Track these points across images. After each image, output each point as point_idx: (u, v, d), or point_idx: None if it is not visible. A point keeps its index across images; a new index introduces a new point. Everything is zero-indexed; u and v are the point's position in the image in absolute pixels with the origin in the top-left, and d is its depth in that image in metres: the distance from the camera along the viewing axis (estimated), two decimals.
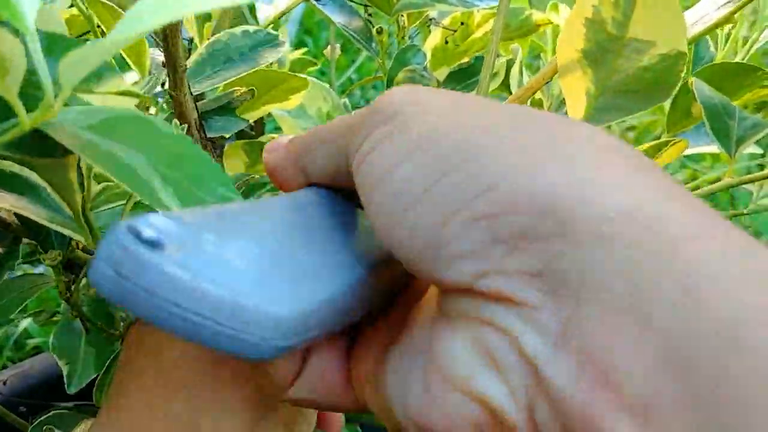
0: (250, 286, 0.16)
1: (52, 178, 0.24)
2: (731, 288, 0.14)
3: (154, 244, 0.16)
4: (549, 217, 0.15)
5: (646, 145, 0.37)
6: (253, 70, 0.36)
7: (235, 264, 0.17)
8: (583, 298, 0.15)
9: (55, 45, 0.20)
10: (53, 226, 0.27)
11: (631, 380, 0.14)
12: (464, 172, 0.16)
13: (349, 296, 0.19)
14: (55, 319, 0.42)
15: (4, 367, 0.76)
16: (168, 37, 0.31)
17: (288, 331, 0.17)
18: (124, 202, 0.32)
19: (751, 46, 0.41)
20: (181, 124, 0.34)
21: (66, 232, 0.27)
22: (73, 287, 0.32)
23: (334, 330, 0.20)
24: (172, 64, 0.32)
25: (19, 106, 0.18)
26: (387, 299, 0.22)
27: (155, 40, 0.36)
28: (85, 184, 0.27)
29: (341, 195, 0.22)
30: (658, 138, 0.41)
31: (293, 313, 0.17)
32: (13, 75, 0.18)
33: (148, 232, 0.16)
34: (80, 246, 0.35)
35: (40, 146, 0.20)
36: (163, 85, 0.35)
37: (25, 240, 0.34)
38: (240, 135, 0.46)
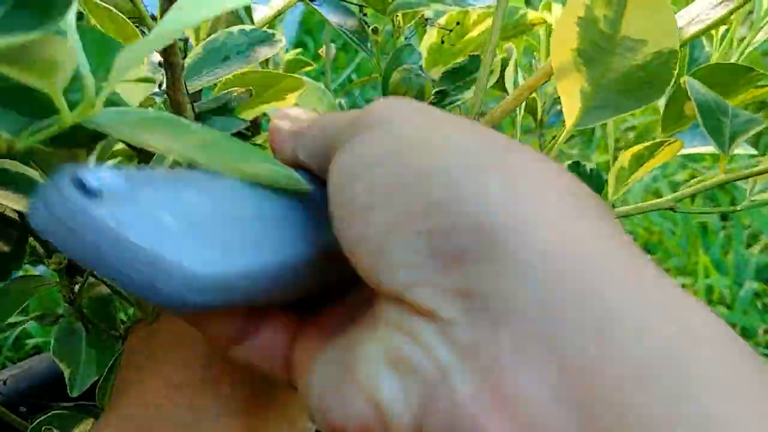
0: (173, 241, 0.18)
1: None
2: (641, 332, 0.15)
3: (91, 193, 0.17)
4: (484, 242, 0.16)
5: (640, 146, 0.37)
6: (249, 68, 0.37)
7: (164, 220, 0.18)
8: (501, 321, 0.16)
9: (86, 39, 0.20)
10: None
11: (527, 404, 0.15)
12: (415, 188, 0.17)
13: (288, 271, 0.20)
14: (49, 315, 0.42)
15: (4, 366, 0.76)
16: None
17: (203, 288, 0.18)
18: None
19: (746, 47, 0.41)
20: None
21: None
22: (76, 289, 0.33)
23: (270, 300, 0.21)
24: (169, 63, 0.32)
25: (63, 105, 0.19)
26: (339, 288, 0.23)
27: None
28: None
29: (320, 183, 0.23)
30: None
31: (211, 273, 0.18)
32: (62, 75, 0.18)
33: (88, 181, 0.17)
34: None
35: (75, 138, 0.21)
36: (160, 86, 0.35)
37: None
38: (235, 134, 0.47)
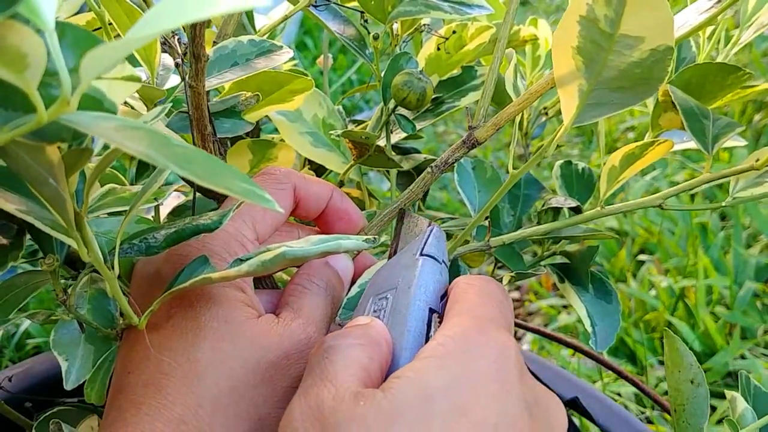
0: None
1: (43, 190, 0.24)
2: None
3: None
4: None
5: (632, 146, 0.38)
6: (256, 72, 0.38)
7: None
8: None
9: (66, 36, 0.20)
10: (54, 234, 0.27)
11: None
12: None
13: None
14: (54, 318, 0.43)
15: (6, 367, 0.77)
16: (195, 26, 0.31)
17: None
18: (128, 208, 0.33)
19: (733, 47, 0.41)
20: (197, 116, 0.35)
21: (66, 240, 0.28)
22: (69, 290, 0.33)
23: None
24: (196, 54, 0.32)
25: (37, 100, 0.19)
26: None
27: (166, 39, 0.37)
28: (85, 191, 0.27)
29: None
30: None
31: None
32: (33, 70, 0.18)
33: None
34: None
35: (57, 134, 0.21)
36: (183, 79, 0.36)
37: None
38: (235, 136, 0.47)
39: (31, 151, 0.22)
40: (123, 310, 0.31)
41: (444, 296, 0.31)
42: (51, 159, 0.23)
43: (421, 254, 0.32)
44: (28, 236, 0.33)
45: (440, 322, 0.30)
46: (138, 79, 0.23)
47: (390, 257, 0.36)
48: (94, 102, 0.22)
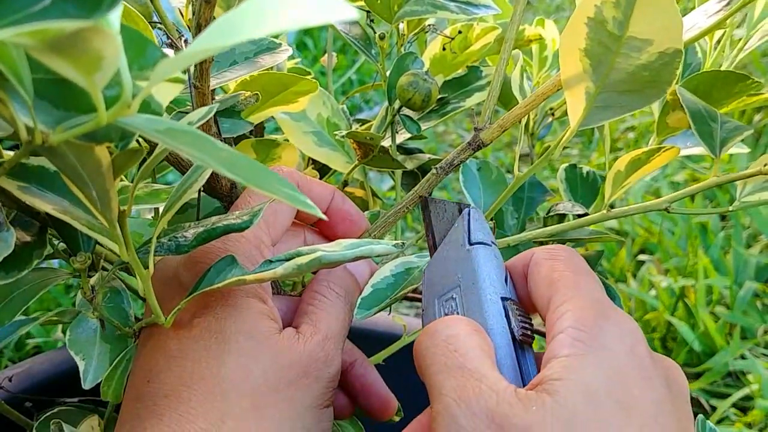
0: None
1: (87, 190, 0.24)
2: None
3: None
4: None
5: (638, 151, 0.38)
6: (259, 72, 0.37)
7: None
8: None
9: (122, 36, 0.20)
10: (91, 233, 0.27)
11: None
12: None
13: None
14: (54, 318, 0.42)
15: (6, 367, 0.77)
16: (200, 26, 0.31)
17: None
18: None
19: (738, 53, 0.41)
20: None
21: (103, 241, 0.27)
22: (97, 289, 0.32)
23: None
24: None
25: (100, 102, 0.19)
26: None
27: (169, 36, 0.37)
28: (130, 191, 0.28)
29: None
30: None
31: None
32: (104, 73, 0.18)
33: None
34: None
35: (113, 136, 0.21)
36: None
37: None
38: (239, 136, 0.47)
39: (80, 151, 0.21)
40: (152, 310, 0.31)
41: (506, 278, 0.30)
42: (100, 159, 0.23)
43: (470, 243, 0.31)
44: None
45: (516, 308, 0.29)
46: (182, 81, 0.23)
47: (431, 250, 0.34)
48: (143, 103, 0.22)
